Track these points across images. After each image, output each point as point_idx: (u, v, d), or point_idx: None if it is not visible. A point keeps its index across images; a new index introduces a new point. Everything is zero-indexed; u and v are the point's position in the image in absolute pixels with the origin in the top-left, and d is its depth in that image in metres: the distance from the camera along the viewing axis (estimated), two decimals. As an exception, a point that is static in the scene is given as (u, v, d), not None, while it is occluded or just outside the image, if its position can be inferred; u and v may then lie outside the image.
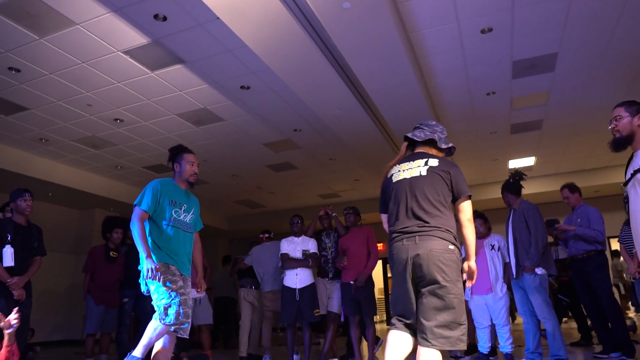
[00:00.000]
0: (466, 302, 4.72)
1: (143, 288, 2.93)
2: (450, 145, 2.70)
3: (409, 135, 2.72)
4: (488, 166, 9.57)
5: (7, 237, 3.93)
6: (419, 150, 2.69)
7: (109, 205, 9.94)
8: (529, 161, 9.47)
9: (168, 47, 4.97)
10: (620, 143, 2.57)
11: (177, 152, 3.31)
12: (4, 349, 2.84)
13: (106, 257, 5.40)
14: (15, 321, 2.80)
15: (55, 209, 10.03)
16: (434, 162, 2.54)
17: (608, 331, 4.61)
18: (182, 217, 3.16)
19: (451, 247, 2.37)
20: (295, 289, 4.80)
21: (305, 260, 4.91)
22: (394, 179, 2.61)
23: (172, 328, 2.86)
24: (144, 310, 5.00)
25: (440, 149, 2.68)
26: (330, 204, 5.59)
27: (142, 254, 2.86)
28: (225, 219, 13.37)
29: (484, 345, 4.72)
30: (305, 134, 7.53)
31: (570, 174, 10.12)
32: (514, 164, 9.44)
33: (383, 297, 15.08)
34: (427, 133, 2.67)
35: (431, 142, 2.67)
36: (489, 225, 4.99)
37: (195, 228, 3.32)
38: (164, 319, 2.84)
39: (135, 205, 3.05)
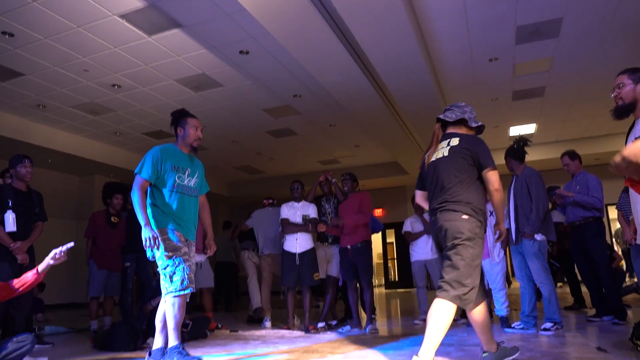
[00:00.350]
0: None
1: (149, 254, 2.93)
2: (480, 123, 2.86)
3: (441, 116, 2.87)
4: (489, 133, 9.50)
5: (8, 202, 3.95)
6: (449, 130, 2.86)
7: (109, 171, 9.96)
8: (530, 128, 9.43)
9: (165, 10, 4.86)
10: (623, 111, 2.57)
11: (181, 116, 3.24)
12: (36, 274, 2.85)
13: (107, 223, 5.45)
14: (64, 257, 2.83)
15: (55, 175, 10.07)
16: (454, 142, 2.72)
17: (602, 296, 4.70)
18: (186, 181, 3.15)
19: (464, 217, 2.57)
20: (295, 254, 4.86)
21: (305, 225, 4.95)
22: (428, 161, 2.84)
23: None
24: (146, 274, 5.12)
25: (470, 128, 2.85)
26: (330, 170, 5.61)
27: (141, 222, 2.89)
28: (226, 185, 13.42)
29: (480, 309, 4.83)
30: (305, 99, 7.46)
31: (571, 142, 10.10)
32: (515, 131, 9.40)
33: (382, 261, 15.29)
34: (458, 113, 2.82)
35: (462, 122, 2.84)
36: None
37: (200, 191, 3.32)
38: (169, 287, 2.88)
39: (135, 173, 3.05)
